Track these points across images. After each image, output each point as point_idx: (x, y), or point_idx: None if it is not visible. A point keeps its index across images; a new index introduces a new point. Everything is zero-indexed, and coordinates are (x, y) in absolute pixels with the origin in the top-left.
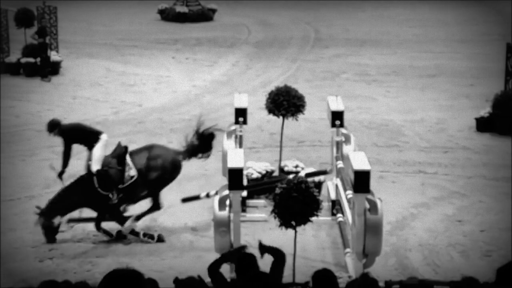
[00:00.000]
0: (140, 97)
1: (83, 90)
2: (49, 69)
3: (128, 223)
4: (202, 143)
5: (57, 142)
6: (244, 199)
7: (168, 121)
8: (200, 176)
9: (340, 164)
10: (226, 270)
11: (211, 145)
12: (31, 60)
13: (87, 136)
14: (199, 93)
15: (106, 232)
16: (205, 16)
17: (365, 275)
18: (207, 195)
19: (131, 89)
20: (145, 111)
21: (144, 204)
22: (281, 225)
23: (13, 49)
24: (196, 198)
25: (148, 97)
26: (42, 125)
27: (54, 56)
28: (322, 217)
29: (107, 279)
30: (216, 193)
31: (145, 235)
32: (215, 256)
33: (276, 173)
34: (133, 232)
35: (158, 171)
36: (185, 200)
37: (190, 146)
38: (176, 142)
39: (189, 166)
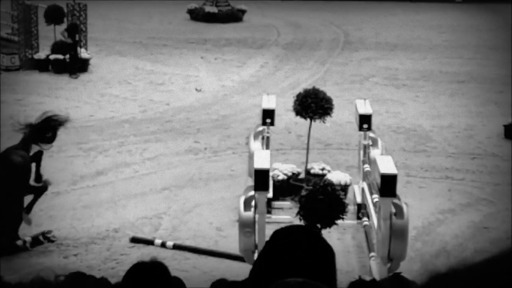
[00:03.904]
0: (168, 96)
1: (112, 88)
2: (78, 66)
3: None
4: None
5: (86, 139)
6: (269, 200)
7: (196, 120)
8: (226, 176)
9: (367, 167)
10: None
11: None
12: (60, 57)
13: None
14: (227, 93)
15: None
16: (234, 16)
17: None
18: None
19: (159, 88)
20: (173, 110)
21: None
22: None
23: (42, 46)
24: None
25: (176, 96)
26: (70, 121)
27: (83, 53)
28: (348, 221)
29: (132, 271)
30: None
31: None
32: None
33: (302, 175)
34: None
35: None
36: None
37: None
38: (202, 142)
39: (215, 166)
